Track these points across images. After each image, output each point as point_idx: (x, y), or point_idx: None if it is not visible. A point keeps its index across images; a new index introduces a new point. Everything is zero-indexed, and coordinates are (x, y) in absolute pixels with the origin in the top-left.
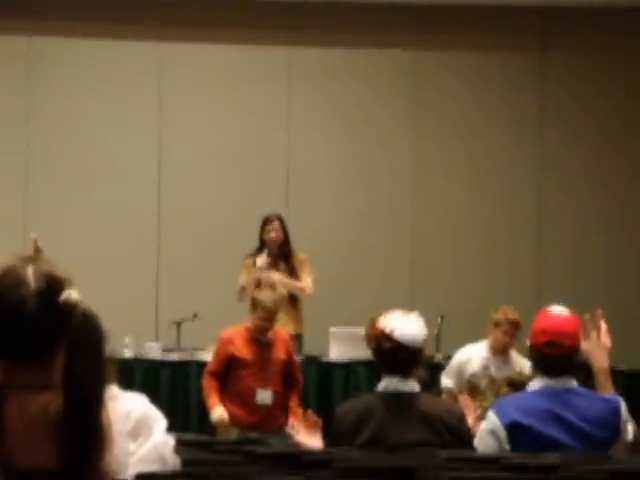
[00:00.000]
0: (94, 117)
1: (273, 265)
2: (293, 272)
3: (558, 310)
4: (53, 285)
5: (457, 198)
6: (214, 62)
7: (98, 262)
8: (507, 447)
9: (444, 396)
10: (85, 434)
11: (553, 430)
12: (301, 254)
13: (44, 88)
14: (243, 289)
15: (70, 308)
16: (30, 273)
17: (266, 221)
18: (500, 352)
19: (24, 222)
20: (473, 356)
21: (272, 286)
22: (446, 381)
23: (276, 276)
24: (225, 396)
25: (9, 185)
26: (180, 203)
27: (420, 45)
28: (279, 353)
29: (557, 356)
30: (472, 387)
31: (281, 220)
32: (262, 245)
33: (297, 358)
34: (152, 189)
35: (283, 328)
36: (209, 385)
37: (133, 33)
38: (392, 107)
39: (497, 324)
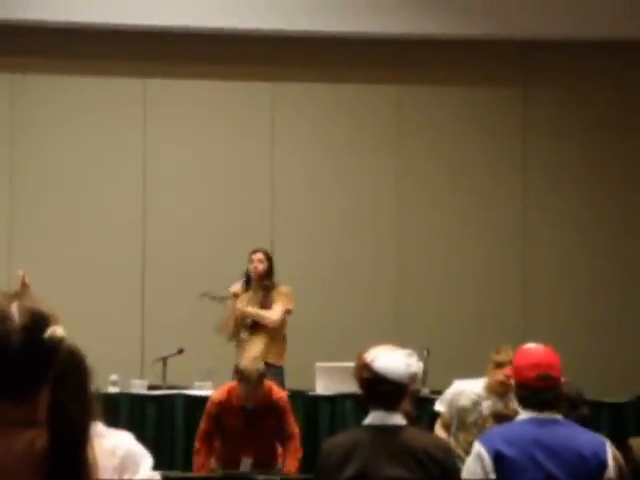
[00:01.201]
0: (78, 153)
1: (247, 293)
2: (267, 304)
3: (537, 345)
4: (38, 321)
5: (441, 230)
6: (198, 97)
7: (83, 299)
8: (493, 476)
9: (438, 420)
10: (71, 470)
11: (539, 458)
12: (284, 287)
13: (28, 125)
14: (223, 327)
15: (55, 344)
16: (14, 309)
17: (252, 253)
18: (500, 394)
19: (8, 259)
20: (467, 390)
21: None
22: (439, 406)
23: (239, 304)
24: (215, 453)
25: None
26: (164, 238)
27: (403, 79)
28: (268, 421)
29: (549, 389)
30: (460, 419)
31: (266, 253)
32: (247, 278)
33: (291, 416)
34: (137, 225)
35: (263, 359)
36: (199, 461)
37: (117, 69)
38: (375, 140)
39: (500, 365)
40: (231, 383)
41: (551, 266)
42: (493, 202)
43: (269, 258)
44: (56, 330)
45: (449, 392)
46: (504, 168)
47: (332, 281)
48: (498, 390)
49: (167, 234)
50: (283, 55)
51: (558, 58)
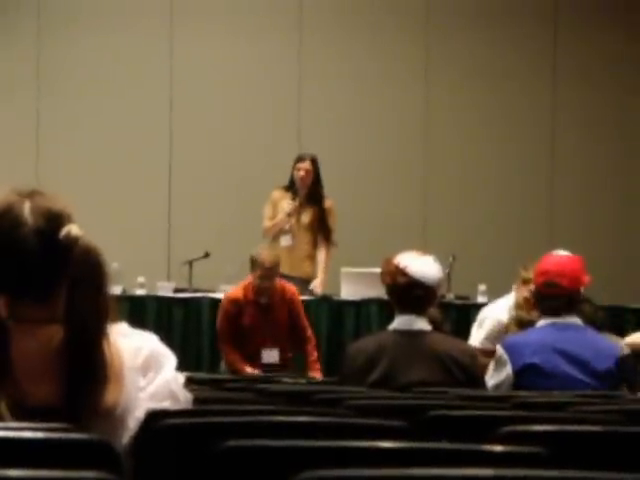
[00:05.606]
0: (105, 63)
1: (301, 209)
2: (321, 218)
3: (560, 253)
4: (52, 222)
5: (469, 135)
6: (225, 7)
7: (110, 203)
8: (511, 381)
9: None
10: (85, 367)
11: (564, 366)
12: (328, 200)
13: (56, 36)
14: (268, 231)
15: (71, 244)
16: (27, 211)
17: (298, 159)
18: (527, 311)
19: (36, 163)
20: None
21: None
22: (489, 344)
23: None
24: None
25: (22, 128)
26: (192, 142)
27: None
28: (281, 315)
29: (555, 296)
30: None
31: (314, 161)
32: (292, 183)
33: (302, 311)
34: (164, 129)
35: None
36: (231, 355)
37: None
38: (404, 57)
39: (526, 282)
40: (245, 281)
41: (578, 177)
42: (523, 117)
43: (316, 166)
44: (71, 230)
45: (493, 327)
46: (535, 84)
47: (358, 188)
48: (524, 307)
49: (194, 137)
50: None
51: None
